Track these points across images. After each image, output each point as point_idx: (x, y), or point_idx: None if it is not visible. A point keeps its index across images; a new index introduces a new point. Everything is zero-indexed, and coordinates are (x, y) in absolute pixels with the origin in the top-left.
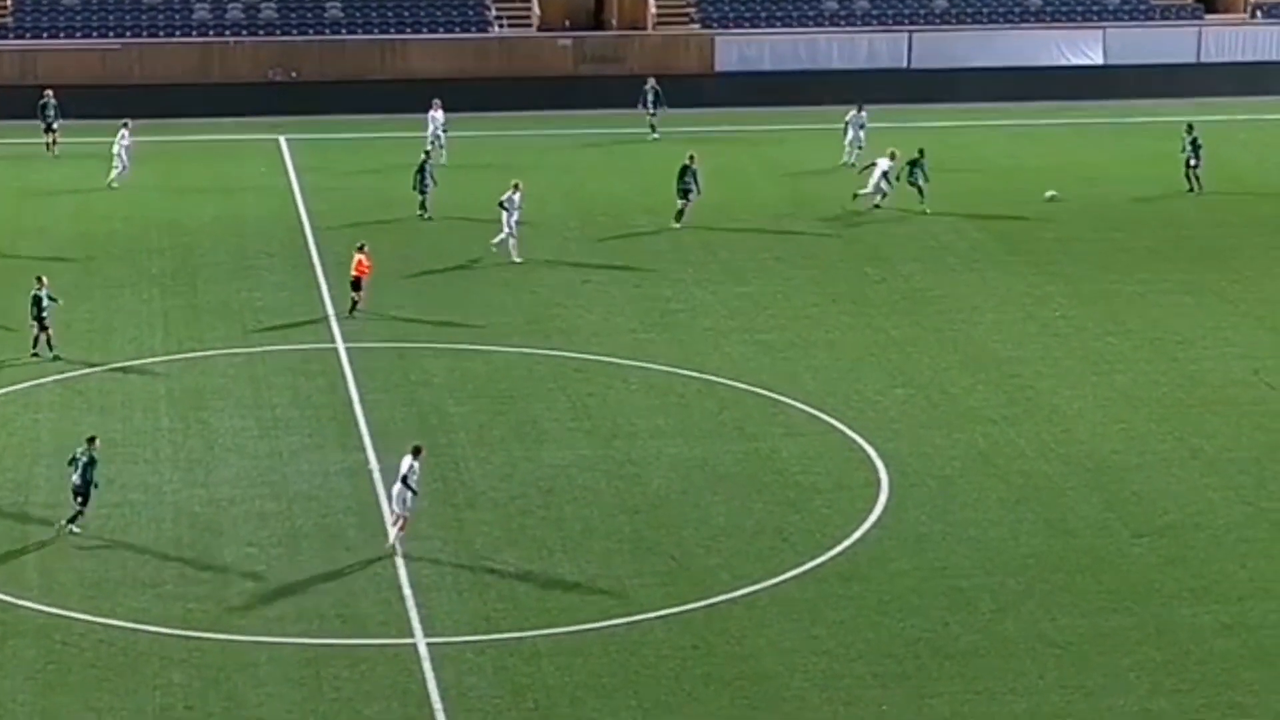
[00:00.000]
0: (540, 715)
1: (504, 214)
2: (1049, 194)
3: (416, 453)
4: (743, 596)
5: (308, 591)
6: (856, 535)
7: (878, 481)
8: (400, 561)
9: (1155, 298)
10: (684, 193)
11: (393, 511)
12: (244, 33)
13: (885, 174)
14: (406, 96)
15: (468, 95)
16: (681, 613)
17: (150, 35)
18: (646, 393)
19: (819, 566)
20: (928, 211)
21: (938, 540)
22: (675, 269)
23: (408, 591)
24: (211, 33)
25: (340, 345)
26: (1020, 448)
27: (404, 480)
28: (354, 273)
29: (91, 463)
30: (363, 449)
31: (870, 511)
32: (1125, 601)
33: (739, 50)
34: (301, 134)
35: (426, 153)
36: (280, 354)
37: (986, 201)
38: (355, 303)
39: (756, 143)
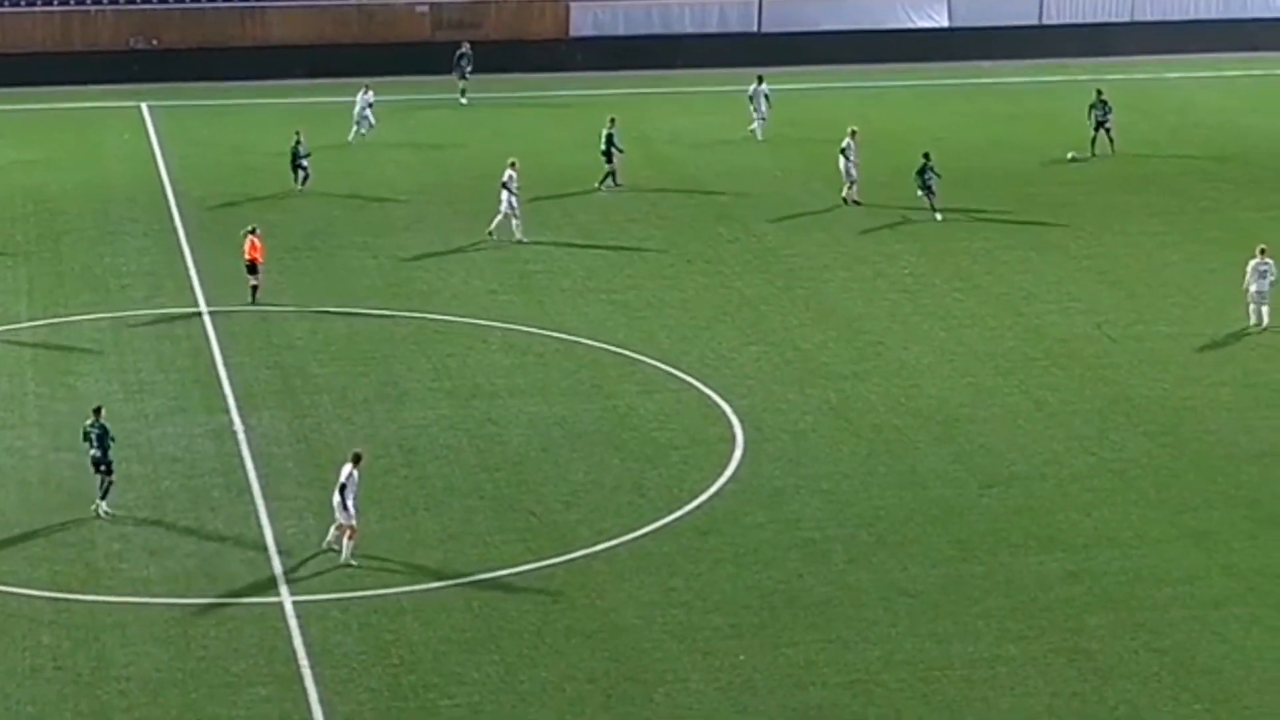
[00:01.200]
0: (404, 670)
1: (504, 193)
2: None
3: (356, 460)
4: (602, 551)
5: (174, 552)
6: (712, 490)
7: (732, 437)
8: (265, 520)
9: (1001, 254)
10: (608, 156)
11: (337, 524)
12: (105, 1)
13: (844, 151)
14: (267, 63)
15: (328, 61)
16: (542, 568)
17: (11, 4)
18: (506, 353)
19: (676, 521)
20: (939, 218)
21: (791, 493)
22: (532, 232)
23: (273, 551)
24: (73, 1)
25: (204, 309)
26: (871, 402)
27: (341, 489)
28: (248, 256)
29: (105, 432)
30: (227, 411)
31: (725, 466)
32: (974, 551)
33: (594, 16)
34: (163, 101)
35: (297, 133)
36: (145, 318)
37: (830, 156)
38: (255, 288)
39: (612, 107)
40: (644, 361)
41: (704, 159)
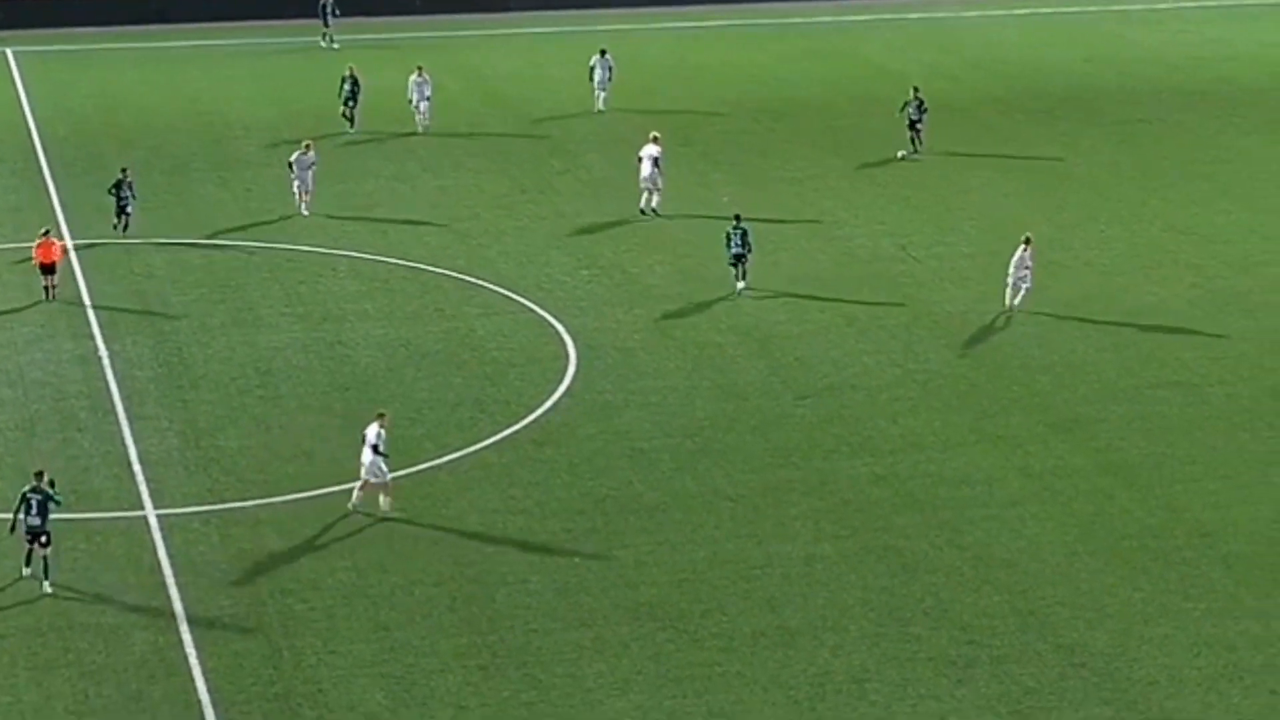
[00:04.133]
0: (263, 578)
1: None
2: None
3: (381, 418)
4: (446, 463)
5: (45, 470)
6: (548, 404)
7: (566, 355)
8: (130, 439)
9: (812, 183)
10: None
11: (365, 480)
12: None
13: (642, 158)
14: (124, 9)
15: (184, 6)
16: (390, 480)
17: None
18: (353, 279)
19: (514, 434)
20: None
21: (621, 407)
22: (377, 166)
23: (137, 468)
24: None
25: (69, 242)
26: (694, 321)
27: (375, 449)
28: (42, 259)
29: (47, 499)
30: (92, 337)
31: (560, 382)
32: (791, 457)
33: None
34: (27, 47)
35: (124, 170)
36: (12, 252)
37: (658, 98)
38: (49, 288)
39: (448, 49)
40: (483, 286)
41: (537, 96)
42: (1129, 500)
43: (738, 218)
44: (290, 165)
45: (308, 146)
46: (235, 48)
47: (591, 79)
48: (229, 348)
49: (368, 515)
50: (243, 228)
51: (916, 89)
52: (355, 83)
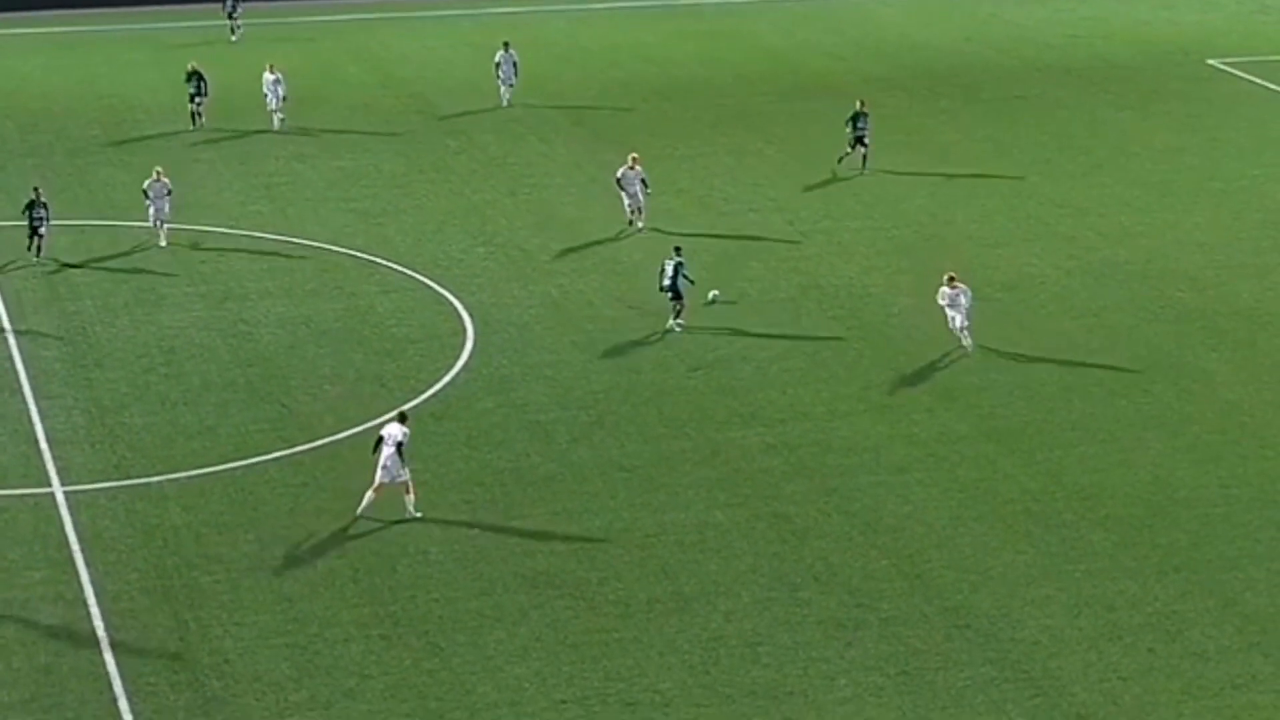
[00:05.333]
0: (168, 551)
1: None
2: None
3: (404, 419)
4: (347, 438)
5: None
6: (446, 379)
7: (464, 330)
8: (36, 416)
9: (703, 160)
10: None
11: (380, 483)
12: None
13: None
14: None
15: None
16: (293, 454)
17: None
18: (255, 258)
19: (413, 408)
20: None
21: (518, 381)
22: (276, 147)
23: (44, 445)
24: None
25: None
26: (588, 297)
27: (399, 448)
28: None
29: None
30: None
31: (458, 358)
32: (684, 428)
33: None
34: None
35: (36, 189)
36: None
37: (552, 81)
38: None
39: (343, 32)
40: (381, 264)
41: (431, 77)
42: (1011, 466)
43: (678, 250)
44: (145, 193)
45: (159, 174)
46: (137, 33)
47: (497, 74)
48: (133, 326)
49: (376, 520)
50: (142, 207)
51: (862, 102)
52: (200, 79)
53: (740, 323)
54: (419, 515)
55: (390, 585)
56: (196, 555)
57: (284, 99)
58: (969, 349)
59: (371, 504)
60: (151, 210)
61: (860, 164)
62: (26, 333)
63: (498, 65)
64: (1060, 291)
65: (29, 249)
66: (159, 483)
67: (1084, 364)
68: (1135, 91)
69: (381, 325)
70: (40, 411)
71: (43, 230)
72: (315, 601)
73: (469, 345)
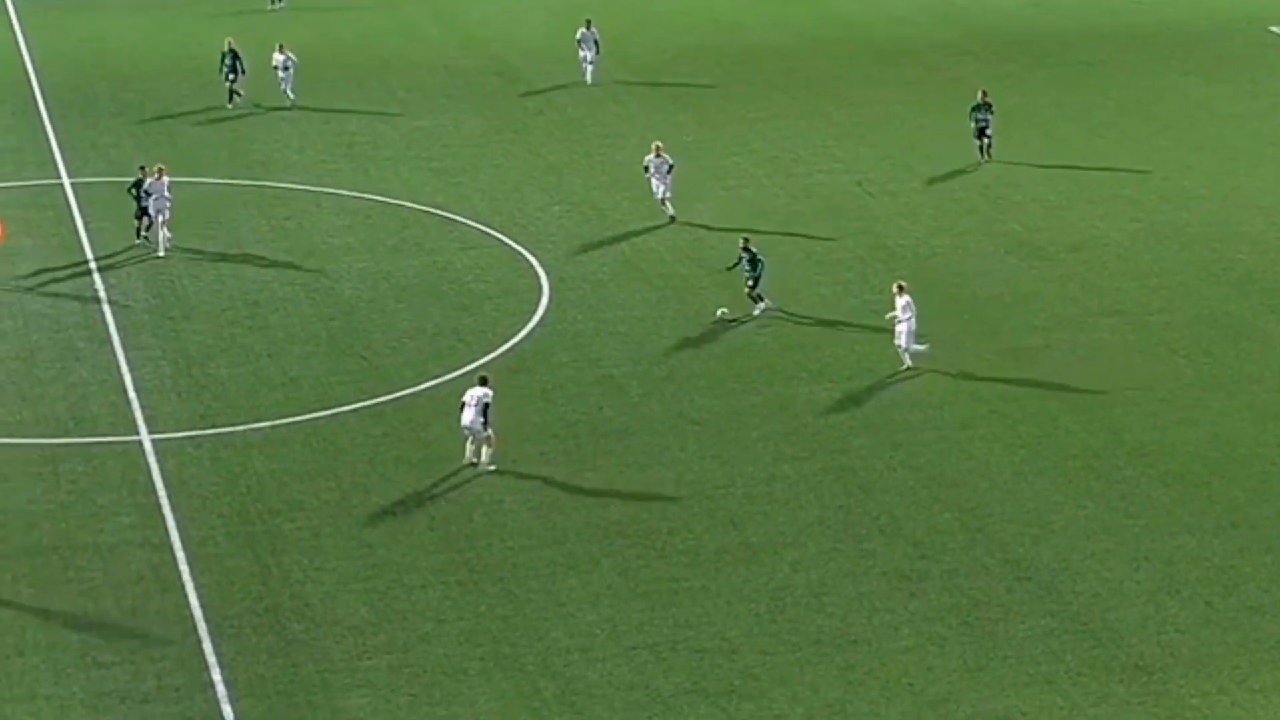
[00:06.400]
0: (252, 498)
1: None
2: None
3: (484, 382)
4: (425, 390)
5: (44, 397)
6: (522, 334)
7: (540, 287)
8: (125, 367)
9: (773, 123)
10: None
11: (473, 440)
12: None
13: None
14: None
15: None
16: (373, 405)
17: None
18: (337, 215)
19: (490, 362)
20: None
21: (592, 336)
22: (360, 105)
23: (133, 395)
24: None
25: (65, 181)
26: (660, 254)
27: (485, 409)
28: None
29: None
30: (89, 272)
31: (534, 313)
32: (753, 383)
33: None
34: None
35: (142, 168)
36: (13, 190)
37: (626, 45)
38: None
39: None
40: (460, 221)
41: (510, 40)
42: (1073, 423)
43: (746, 240)
44: (145, 193)
45: (160, 172)
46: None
47: (579, 50)
48: (219, 280)
49: (455, 471)
50: (230, 166)
51: (984, 93)
52: (235, 57)
53: (809, 280)
54: (492, 468)
55: (466, 533)
56: (279, 502)
57: (292, 80)
58: (910, 363)
59: (475, 450)
60: (153, 211)
61: (979, 154)
62: (116, 286)
63: (579, 42)
64: (1123, 253)
65: (137, 230)
66: (243, 432)
67: (1146, 324)
68: (1198, 57)
69: (459, 281)
70: (129, 362)
71: (149, 209)
72: (393, 548)
73: (544, 301)
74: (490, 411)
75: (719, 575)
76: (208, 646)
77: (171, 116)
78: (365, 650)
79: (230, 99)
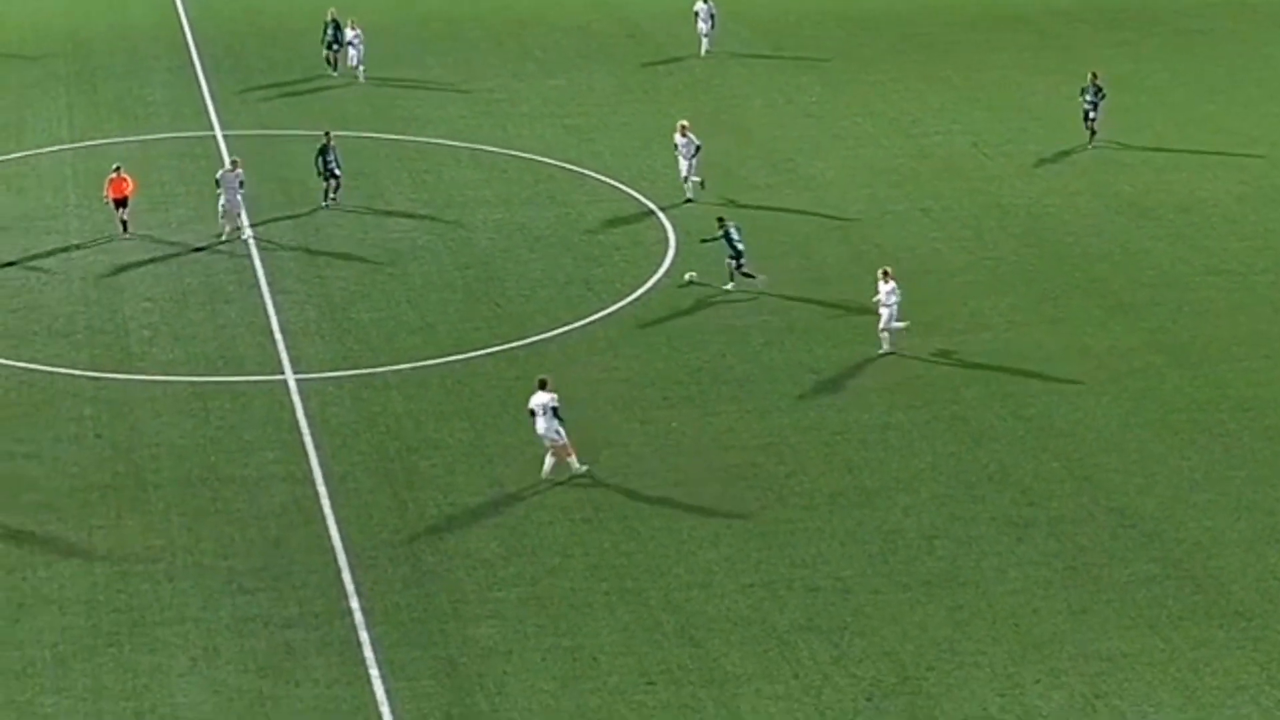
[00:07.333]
0: (390, 437)
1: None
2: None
3: (544, 385)
4: (556, 336)
5: (195, 338)
6: (649, 284)
7: (666, 240)
8: (272, 310)
9: (893, 85)
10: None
11: (551, 450)
12: None
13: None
14: None
15: None
16: (506, 350)
17: None
18: (474, 169)
19: (618, 310)
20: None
21: (715, 287)
22: (497, 65)
23: (279, 336)
24: None
25: (218, 133)
26: (782, 211)
27: (555, 413)
28: (112, 195)
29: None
30: (239, 219)
31: (660, 265)
32: (868, 334)
33: None
34: None
35: (327, 134)
36: (167, 141)
37: (752, 8)
38: (125, 222)
39: None
40: (591, 176)
41: (641, 2)
42: (1178, 377)
43: (722, 219)
44: (216, 182)
45: (235, 164)
46: None
47: (696, 22)
48: (362, 230)
49: (561, 483)
50: (373, 120)
51: (1094, 75)
52: (337, 27)
53: (925, 238)
54: (585, 469)
55: (594, 473)
56: (416, 440)
57: (363, 56)
58: (888, 347)
59: (554, 466)
60: (223, 201)
61: (1088, 136)
62: (264, 232)
63: (696, 15)
64: (1230, 215)
65: (325, 194)
66: (383, 373)
67: (1252, 283)
68: None
69: (590, 233)
70: (276, 306)
71: (338, 172)
72: (523, 485)
73: (670, 253)
74: (561, 412)
75: (834, 518)
76: (346, 576)
77: (316, 74)
78: (495, 582)
79: (334, 68)
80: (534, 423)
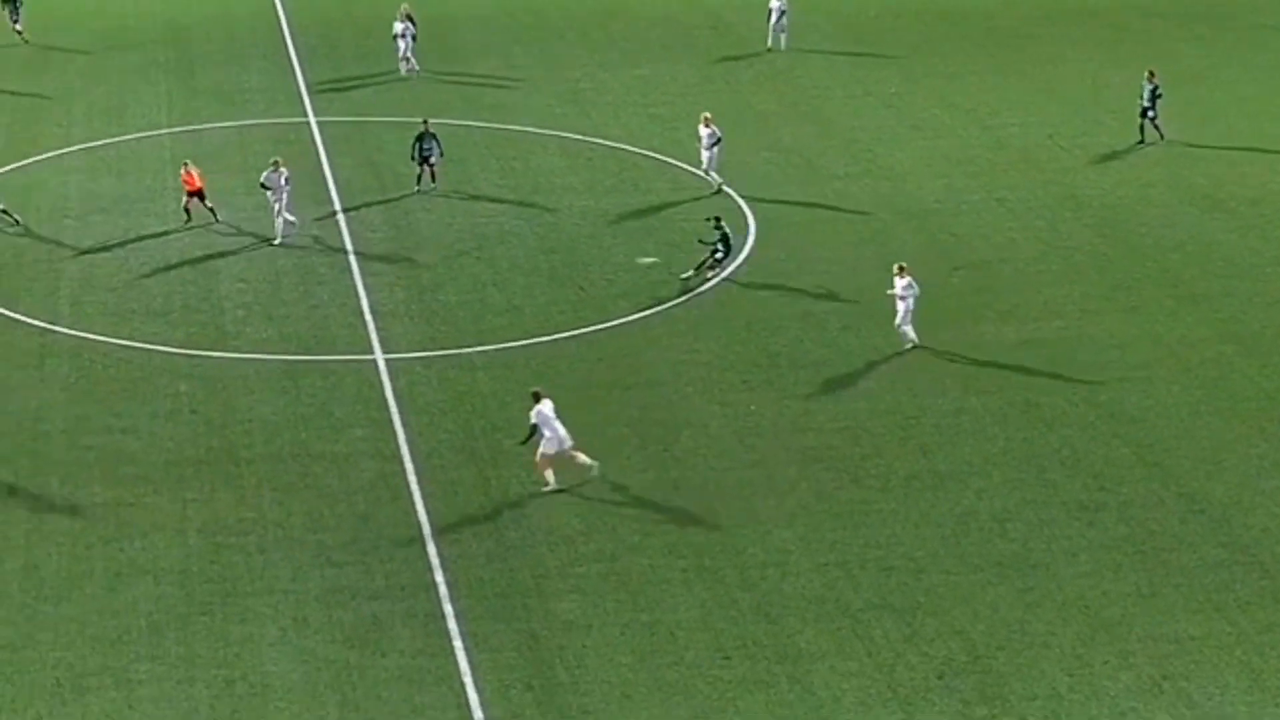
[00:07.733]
0: (476, 415)
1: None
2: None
3: (538, 398)
4: (638, 320)
5: (288, 317)
6: (730, 270)
7: (747, 227)
8: (362, 292)
9: (970, 77)
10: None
11: (573, 456)
12: None
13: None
14: None
15: None
16: (589, 332)
17: None
18: (560, 156)
19: (699, 295)
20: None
21: (794, 274)
22: (583, 55)
23: (369, 317)
24: None
25: (312, 119)
26: (861, 199)
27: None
28: (189, 189)
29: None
30: (331, 203)
31: (741, 251)
32: (944, 322)
33: None
34: None
35: (425, 121)
36: (262, 127)
37: (831, 1)
38: (213, 210)
39: None
40: (674, 164)
41: None
42: (1248, 366)
43: (717, 219)
44: (263, 186)
45: (277, 164)
46: None
47: (770, 19)
48: (450, 214)
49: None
50: (463, 109)
51: (1151, 73)
52: (412, 21)
53: (1000, 226)
54: (596, 463)
55: (673, 454)
56: (500, 420)
57: (413, 46)
58: (910, 340)
59: (585, 468)
60: (276, 204)
61: (1140, 134)
62: (355, 216)
63: (770, 11)
64: None
65: (418, 179)
66: (469, 354)
67: None
68: None
69: (672, 219)
70: (366, 287)
71: (433, 160)
72: (604, 463)
73: (751, 240)
74: (559, 423)
75: (908, 500)
76: (431, 550)
77: (410, 63)
78: (576, 558)
79: (401, 65)
80: (553, 429)
